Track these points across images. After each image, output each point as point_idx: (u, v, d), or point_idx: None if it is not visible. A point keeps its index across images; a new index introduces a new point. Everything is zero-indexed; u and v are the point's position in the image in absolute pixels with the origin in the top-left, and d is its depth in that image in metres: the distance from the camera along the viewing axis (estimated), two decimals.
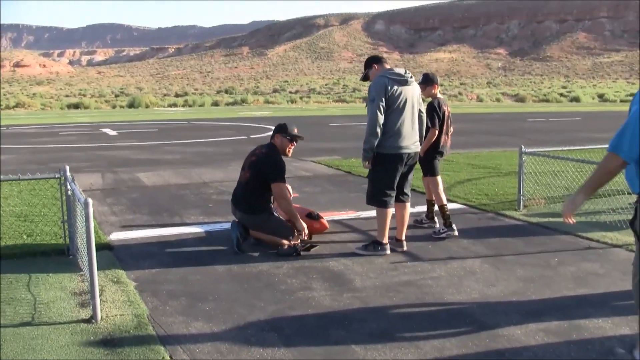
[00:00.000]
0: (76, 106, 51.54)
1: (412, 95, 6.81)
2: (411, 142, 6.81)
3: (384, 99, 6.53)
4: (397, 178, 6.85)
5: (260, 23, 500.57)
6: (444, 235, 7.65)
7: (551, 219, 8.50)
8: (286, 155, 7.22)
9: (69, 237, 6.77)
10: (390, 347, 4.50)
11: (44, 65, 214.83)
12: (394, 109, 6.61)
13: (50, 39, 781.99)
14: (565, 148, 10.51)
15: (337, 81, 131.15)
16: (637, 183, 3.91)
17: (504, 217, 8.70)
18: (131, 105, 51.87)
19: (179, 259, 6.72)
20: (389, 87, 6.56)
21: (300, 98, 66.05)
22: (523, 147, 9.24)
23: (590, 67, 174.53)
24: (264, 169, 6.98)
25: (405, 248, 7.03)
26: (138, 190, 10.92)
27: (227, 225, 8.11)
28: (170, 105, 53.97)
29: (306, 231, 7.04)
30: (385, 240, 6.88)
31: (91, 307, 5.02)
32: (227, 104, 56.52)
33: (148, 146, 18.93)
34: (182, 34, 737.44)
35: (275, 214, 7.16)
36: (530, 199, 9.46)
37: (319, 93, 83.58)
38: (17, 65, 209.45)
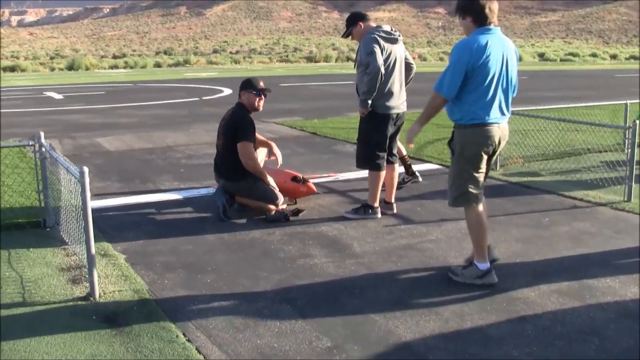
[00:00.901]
0: (12, 69, 49.72)
1: (400, 53, 6.67)
2: (400, 101, 6.66)
3: (380, 52, 6.33)
4: (388, 139, 6.66)
5: None
6: (408, 182, 7.99)
7: (530, 179, 8.46)
8: (257, 109, 6.90)
9: (45, 208, 6.39)
10: (410, 315, 4.35)
11: None
12: (386, 69, 6.40)
13: None
14: (536, 107, 10.45)
15: (277, 41, 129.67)
16: (452, 112, 4.91)
17: None
18: (70, 67, 50.19)
19: (165, 227, 6.43)
20: (382, 46, 6.36)
21: (243, 58, 65.09)
22: None
23: (528, 27, 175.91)
24: (232, 130, 6.71)
25: (395, 211, 6.88)
26: (101, 156, 10.48)
27: (205, 191, 7.84)
28: (111, 67, 52.49)
29: (281, 202, 6.80)
30: (377, 203, 6.72)
31: (87, 284, 4.72)
32: (170, 65, 55.34)
33: (99, 109, 18.29)
34: None
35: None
36: (507, 158, 9.36)
37: (260, 53, 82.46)
38: None
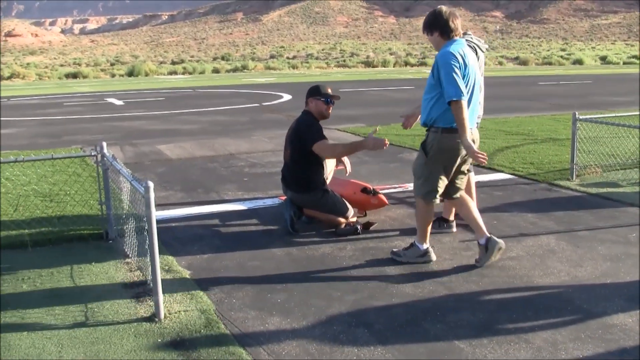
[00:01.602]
0: (74, 75, 50.55)
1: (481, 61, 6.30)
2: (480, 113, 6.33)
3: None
4: None
5: None
6: None
7: (610, 190, 7.98)
8: (326, 117, 6.61)
9: (107, 220, 6.20)
10: (498, 342, 3.98)
11: (36, 35, 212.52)
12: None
13: (41, 8, 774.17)
14: (615, 114, 9.94)
15: (334, 46, 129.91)
16: (429, 114, 5.27)
17: (560, 188, 8.16)
18: (130, 73, 50.84)
19: (230, 241, 6.17)
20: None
21: (301, 63, 65.10)
22: (577, 113, 8.64)
23: (588, 29, 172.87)
24: (300, 139, 6.41)
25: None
26: (163, 164, 10.32)
27: (270, 202, 7.58)
28: (170, 73, 53.01)
29: (351, 214, 6.49)
30: (452, 216, 6.42)
31: (152, 302, 4.47)
32: (228, 71, 55.60)
33: (160, 115, 18.27)
34: (174, 1, 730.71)
35: (329, 190, 6.56)
36: (584, 167, 8.89)
37: (316, 58, 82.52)
38: (9, 35, 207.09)
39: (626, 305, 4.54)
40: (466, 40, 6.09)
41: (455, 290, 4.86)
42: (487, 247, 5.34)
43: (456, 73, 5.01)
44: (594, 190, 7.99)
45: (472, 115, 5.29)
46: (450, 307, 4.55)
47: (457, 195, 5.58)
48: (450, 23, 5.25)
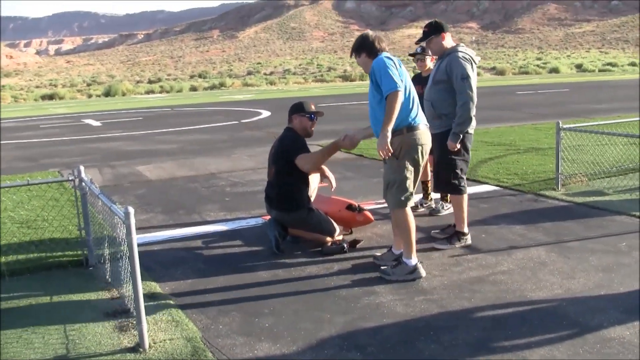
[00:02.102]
0: (50, 97, 50.20)
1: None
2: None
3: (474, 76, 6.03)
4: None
5: (229, 5, 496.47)
6: (422, 208, 7.77)
7: (596, 198, 7.93)
8: (309, 135, 6.52)
9: (86, 246, 6.02)
10: None
11: (11, 57, 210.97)
12: None
13: (15, 29, 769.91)
14: (598, 122, 9.93)
15: (311, 61, 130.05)
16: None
17: (546, 198, 8.09)
18: (107, 93, 50.47)
19: (214, 264, 6.01)
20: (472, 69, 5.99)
21: (279, 79, 65.03)
22: (560, 122, 8.59)
23: (562, 38, 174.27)
24: (284, 152, 6.30)
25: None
26: (143, 185, 10.14)
27: (253, 222, 7.44)
28: (147, 92, 52.67)
29: (337, 233, 6.38)
30: (466, 228, 6.29)
31: (136, 332, 4.31)
32: (205, 89, 55.42)
33: (138, 136, 18.07)
34: (150, 20, 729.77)
35: (314, 208, 6.43)
36: (569, 176, 8.83)
37: (294, 74, 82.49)
38: None
39: (623, 317, 4.45)
40: (460, 52, 6.01)
41: (448, 308, 4.74)
42: (413, 270, 5.41)
43: (390, 69, 5.17)
44: (580, 199, 7.92)
45: (418, 114, 5.41)
46: (444, 325, 4.43)
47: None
48: (377, 44, 5.48)
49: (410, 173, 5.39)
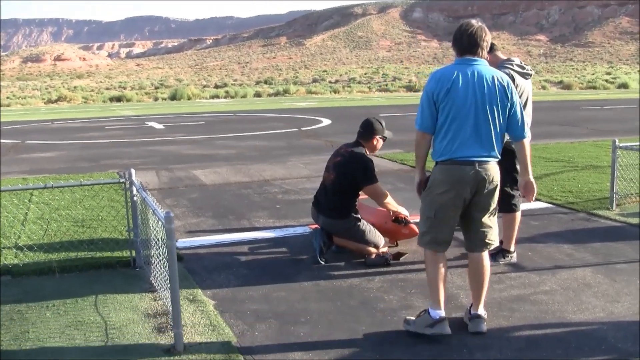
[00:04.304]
0: (118, 99, 51.39)
1: (530, 89, 6.17)
2: (529, 139, 6.17)
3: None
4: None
5: (297, 13, 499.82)
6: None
7: None
8: (374, 152, 6.61)
9: (134, 248, 6.16)
10: None
11: (84, 59, 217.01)
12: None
13: (90, 33, 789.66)
14: None
15: (377, 70, 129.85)
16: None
17: (598, 218, 7.93)
18: (173, 97, 51.48)
19: (257, 270, 6.08)
20: (516, 81, 5.86)
21: (343, 88, 65.20)
22: (617, 141, 8.42)
23: (634, 52, 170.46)
24: (353, 173, 6.30)
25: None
26: (197, 189, 10.31)
27: (301, 230, 7.48)
28: (212, 97, 53.50)
29: (382, 244, 6.38)
30: (513, 247, 6.24)
31: (172, 334, 4.39)
32: (269, 95, 55.93)
33: (198, 140, 18.38)
34: (219, 25, 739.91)
35: (361, 218, 6.44)
36: (624, 196, 8.64)
37: (359, 82, 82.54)
38: (58, 58, 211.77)
39: None
40: (506, 66, 5.93)
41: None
42: (433, 324, 4.49)
43: (424, 99, 4.51)
44: (634, 220, 7.74)
45: (460, 148, 4.44)
46: (477, 344, 4.39)
47: (478, 251, 4.71)
48: (464, 39, 4.54)
49: (431, 213, 4.57)
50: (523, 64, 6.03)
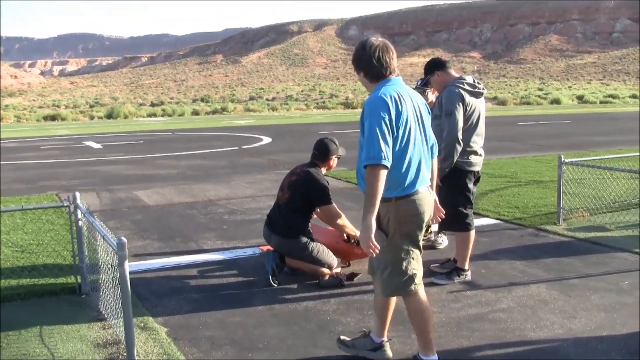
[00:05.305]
0: (53, 118, 50.29)
1: (483, 107, 6.15)
2: (482, 159, 6.18)
3: (461, 113, 5.84)
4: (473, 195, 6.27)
5: (233, 30, 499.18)
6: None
7: (598, 234, 7.85)
8: (330, 170, 6.81)
9: (80, 273, 5.92)
10: None
11: (15, 76, 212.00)
12: (471, 125, 5.94)
13: (21, 50, 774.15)
14: (601, 157, 9.86)
15: (313, 87, 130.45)
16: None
17: (547, 233, 8.00)
18: (109, 115, 50.63)
19: (209, 295, 5.91)
20: (465, 100, 5.84)
21: (280, 105, 65.17)
22: (562, 156, 8.53)
23: (564, 69, 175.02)
24: (309, 192, 6.26)
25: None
26: (141, 211, 10.05)
27: (250, 251, 7.34)
28: (149, 115, 52.81)
29: (335, 265, 6.30)
30: (467, 265, 6.21)
31: None
32: (207, 113, 55.52)
33: (138, 160, 18.02)
34: (155, 43, 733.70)
35: (314, 238, 6.34)
36: (570, 211, 8.75)
37: (296, 100, 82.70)
38: None
39: None
40: (455, 85, 5.93)
41: (446, 346, 4.64)
42: (375, 347, 4.43)
43: (381, 127, 3.83)
44: (581, 234, 7.84)
45: (418, 174, 4.07)
46: None
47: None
48: (380, 59, 4.03)
49: (406, 252, 4.11)
50: (475, 82, 6.03)
